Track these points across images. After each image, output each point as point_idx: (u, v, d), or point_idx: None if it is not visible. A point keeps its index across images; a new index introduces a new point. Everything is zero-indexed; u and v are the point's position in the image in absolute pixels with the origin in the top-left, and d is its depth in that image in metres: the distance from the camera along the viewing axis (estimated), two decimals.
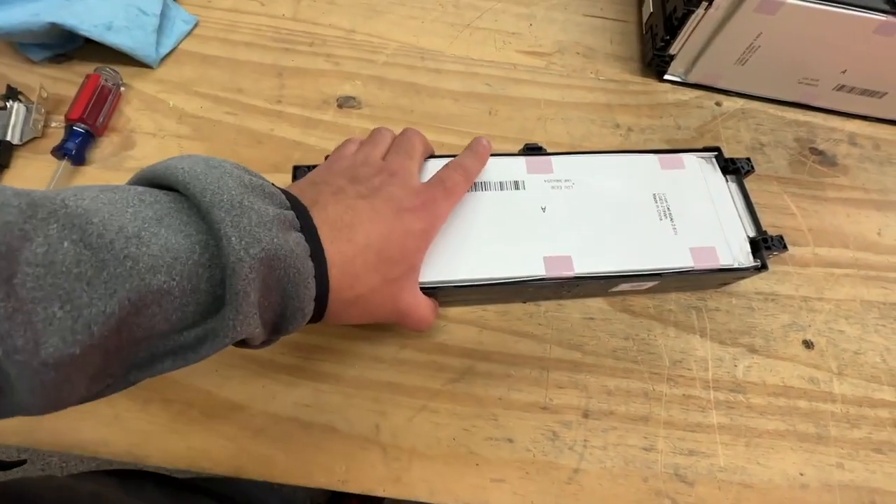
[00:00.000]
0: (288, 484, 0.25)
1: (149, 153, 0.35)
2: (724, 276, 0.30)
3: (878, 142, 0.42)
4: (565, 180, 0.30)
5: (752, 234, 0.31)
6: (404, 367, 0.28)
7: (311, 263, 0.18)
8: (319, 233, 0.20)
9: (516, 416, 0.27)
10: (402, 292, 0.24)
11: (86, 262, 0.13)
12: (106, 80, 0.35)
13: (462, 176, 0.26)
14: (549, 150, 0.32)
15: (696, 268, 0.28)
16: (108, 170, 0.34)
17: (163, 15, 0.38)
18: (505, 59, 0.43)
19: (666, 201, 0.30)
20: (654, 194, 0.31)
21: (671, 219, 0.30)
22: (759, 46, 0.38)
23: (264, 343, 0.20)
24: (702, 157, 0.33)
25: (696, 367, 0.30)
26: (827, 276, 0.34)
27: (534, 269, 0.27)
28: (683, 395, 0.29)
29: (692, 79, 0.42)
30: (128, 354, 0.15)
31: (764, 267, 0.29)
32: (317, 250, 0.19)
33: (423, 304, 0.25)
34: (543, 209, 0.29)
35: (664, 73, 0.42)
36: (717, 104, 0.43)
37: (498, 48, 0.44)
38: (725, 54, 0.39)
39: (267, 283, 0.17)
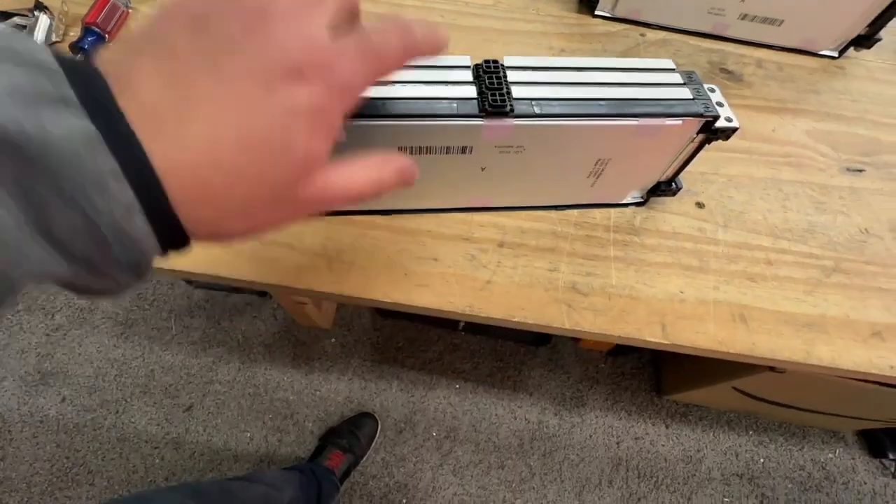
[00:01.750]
0: (251, 287, 0.30)
1: None
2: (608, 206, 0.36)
3: (782, 66, 0.48)
4: (517, 146, 0.27)
5: (664, 178, 0.33)
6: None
7: (110, 160, 0.12)
8: (130, 121, 0.12)
9: (442, 244, 0.33)
10: (309, 188, 0.16)
11: None
12: None
13: (399, 39, 0.16)
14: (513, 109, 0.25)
15: (590, 202, 0.35)
16: None
17: None
18: None
19: (605, 165, 0.30)
20: (599, 159, 0.30)
21: (597, 177, 0.31)
22: None
23: (111, 288, 0.14)
24: (688, 121, 0.27)
25: (599, 217, 0.35)
26: (723, 158, 0.40)
27: (452, 203, 0.33)
28: (587, 235, 0.34)
29: (619, 13, 0.49)
30: None
31: (642, 204, 0.36)
32: (125, 143, 0.12)
33: (350, 183, 0.17)
34: (483, 169, 0.29)
35: (595, 8, 0.49)
36: (642, 35, 0.49)
37: None
38: None
39: (22, 185, 0.11)
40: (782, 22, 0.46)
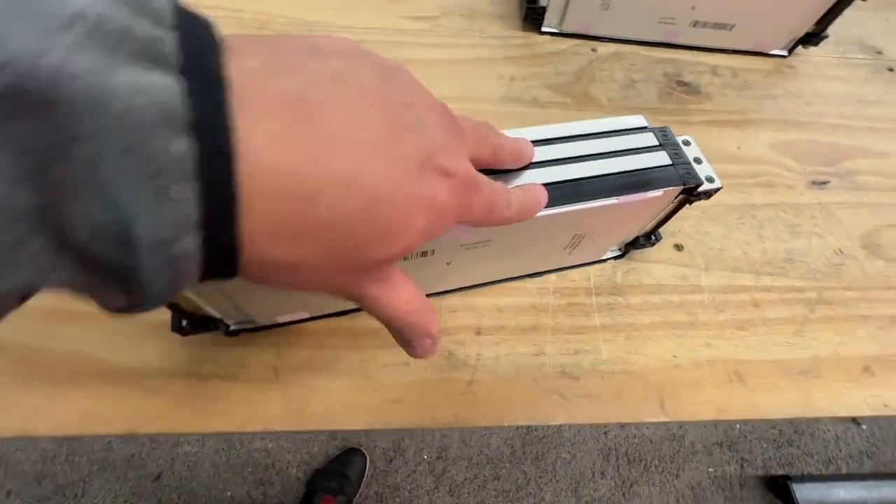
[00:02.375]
0: (186, 434, 0.25)
1: None
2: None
3: (736, 71, 0.46)
4: (485, 241, 0.24)
5: (643, 233, 0.31)
6: None
7: (184, 142, 0.09)
8: (238, 95, 0.10)
9: None
10: (376, 279, 0.15)
11: None
12: None
13: (503, 199, 0.18)
14: None
15: (567, 266, 0.32)
16: None
17: None
18: (392, 26, 0.44)
19: (582, 237, 0.27)
20: (575, 235, 0.27)
21: (574, 247, 0.28)
22: None
23: (123, 306, 0.11)
24: (669, 190, 0.24)
25: (579, 279, 0.32)
26: None
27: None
28: (568, 303, 0.31)
29: (567, 28, 0.45)
30: None
31: (621, 256, 0.33)
32: (214, 122, 0.09)
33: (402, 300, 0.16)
34: (448, 263, 0.26)
35: (541, 25, 0.45)
36: (593, 50, 0.46)
37: (384, 16, 0.45)
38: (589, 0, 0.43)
39: (40, 151, 0.08)
40: (733, 26, 0.45)
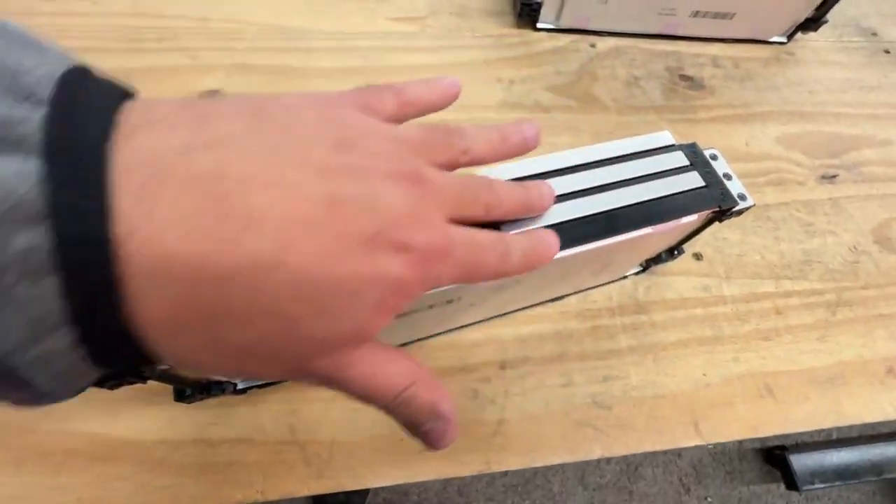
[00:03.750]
0: None
1: None
2: None
3: (737, 61, 0.45)
4: (514, 281, 0.22)
5: (664, 250, 0.30)
6: None
7: (31, 232, 0.08)
8: (114, 171, 0.09)
9: None
10: (326, 360, 0.13)
11: None
12: None
13: (494, 254, 0.15)
14: None
15: (589, 287, 0.31)
16: None
17: None
18: (377, 29, 0.41)
19: (609, 265, 0.27)
20: (603, 263, 0.26)
21: (599, 273, 0.28)
22: None
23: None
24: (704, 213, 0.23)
25: (601, 299, 0.31)
26: None
27: (436, 330, 0.28)
28: (592, 327, 0.30)
29: (564, 23, 0.43)
30: None
31: (641, 271, 0.32)
32: (79, 208, 0.09)
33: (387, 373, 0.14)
34: (472, 304, 0.25)
35: (536, 21, 0.43)
36: (592, 45, 0.44)
37: (367, 19, 0.42)
38: None
39: None
40: (734, 15, 0.43)
